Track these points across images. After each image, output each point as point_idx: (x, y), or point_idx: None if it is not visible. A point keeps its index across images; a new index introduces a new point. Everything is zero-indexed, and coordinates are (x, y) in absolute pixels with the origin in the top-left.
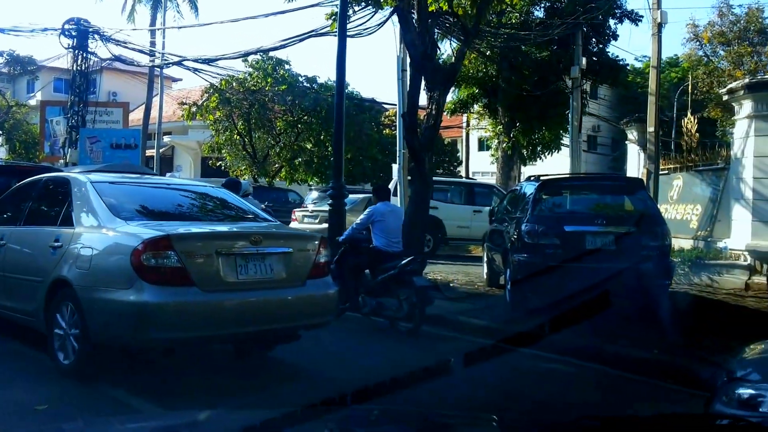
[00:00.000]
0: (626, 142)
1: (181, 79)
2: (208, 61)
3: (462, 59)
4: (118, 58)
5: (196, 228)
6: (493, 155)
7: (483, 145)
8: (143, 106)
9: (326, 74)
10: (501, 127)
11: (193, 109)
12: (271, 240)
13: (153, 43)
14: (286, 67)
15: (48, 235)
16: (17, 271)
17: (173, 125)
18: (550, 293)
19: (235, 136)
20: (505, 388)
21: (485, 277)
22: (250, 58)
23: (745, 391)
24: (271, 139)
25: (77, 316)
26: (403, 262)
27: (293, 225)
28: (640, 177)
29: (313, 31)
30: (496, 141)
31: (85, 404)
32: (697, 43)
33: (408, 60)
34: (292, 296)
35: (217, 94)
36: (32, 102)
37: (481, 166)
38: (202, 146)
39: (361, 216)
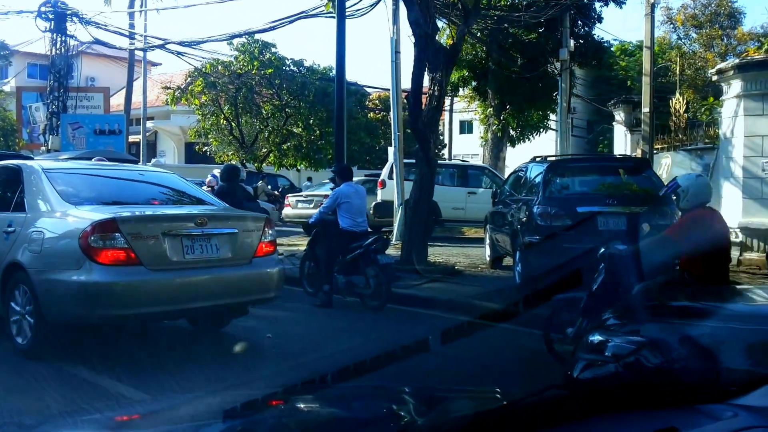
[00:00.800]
0: (613, 123)
1: (160, 64)
2: (194, 44)
3: (462, 39)
4: (98, 42)
5: (142, 211)
6: (482, 137)
7: (464, 128)
8: (123, 90)
9: (311, 57)
10: (491, 109)
11: (177, 93)
12: (217, 221)
13: (132, 26)
14: (273, 50)
15: (1, 221)
16: None
17: (155, 110)
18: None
19: (222, 120)
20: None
21: (488, 258)
22: (236, 41)
23: (595, 338)
24: (259, 124)
25: (31, 297)
26: (368, 241)
27: (287, 210)
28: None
29: (303, 12)
30: (487, 123)
31: (50, 386)
32: (671, 25)
33: (401, 42)
34: (238, 274)
35: (201, 78)
36: (6, 88)
37: (463, 148)
38: (187, 132)
39: (327, 199)
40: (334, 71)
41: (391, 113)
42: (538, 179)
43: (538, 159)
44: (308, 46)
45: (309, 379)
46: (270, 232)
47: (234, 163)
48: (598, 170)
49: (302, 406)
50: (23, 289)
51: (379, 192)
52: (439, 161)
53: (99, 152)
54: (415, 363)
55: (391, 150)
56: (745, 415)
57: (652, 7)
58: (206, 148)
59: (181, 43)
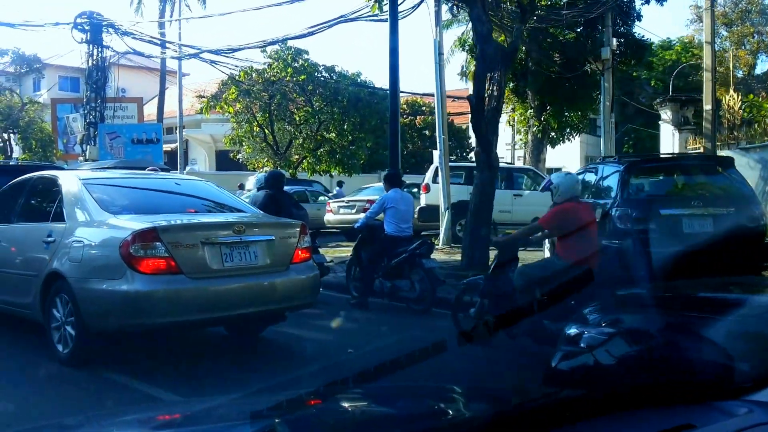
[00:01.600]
0: (660, 122)
1: (188, 74)
2: (230, 52)
3: (520, 37)
4: (135, 52)
5: (181, 219)
6: (522, 140)
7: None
8: (153, 100)
9: (342, 63)
10: (532, 110)
11: (212, 102)
12: (254, 229)
13: (163, 35)
14: (305, 56)
15: (41, 231)
16: (13, 266)
17: (186, 119)
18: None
19: (255, 128)
20: None
21: None
22: (269, 48)
23: (572, 330)
24: (293, 130)
25: (72, 306)
26: (413, 245)
27: (329, 216)
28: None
29: (342, 16)
30: (527, 125)
31: (88, 390)
32: (701, 24)
33: (440, 45)
34: (276, 281)
35: (235, 86)
36: (39, 100)
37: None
38: (217, 140)
39: (374, 204)
40: (362, 77)
41: (436, 116)
42: (613, 180)
43: (609, 159)
44: (335, 51)
45: (333, 381)
46: (306, 238)
47: (266, 170)
48: (679, 170)
49: (326, 407)
50: (64, 298)
51: (423, 196)
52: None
53: (135, 161)
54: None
55: (436, 153)
56: (760, 412)
57: (712, 1)
58: (240, 155)
59: (216, 52)
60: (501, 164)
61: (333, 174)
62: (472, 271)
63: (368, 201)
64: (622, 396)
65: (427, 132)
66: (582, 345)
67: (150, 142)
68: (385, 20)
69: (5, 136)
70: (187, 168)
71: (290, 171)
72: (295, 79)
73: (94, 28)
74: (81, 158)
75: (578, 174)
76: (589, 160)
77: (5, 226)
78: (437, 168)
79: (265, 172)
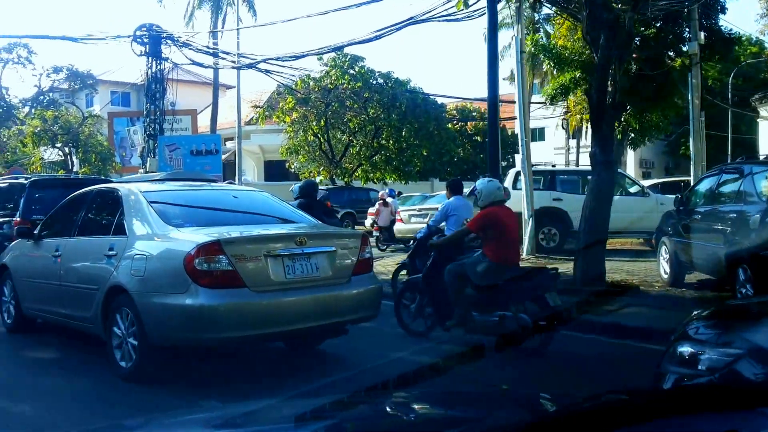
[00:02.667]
0: (758, 119)
1: (233, 86)
2: (294, 58)
3: (633, 26)
4: (194, 62)
5: (244, 232)
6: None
7: (536, 135)
8: (204, 111)
9: (394, 70)
10: None
11: (267, 112)
12: (315, 240)
13: (216, 44)
14: (361, 63)
15: (102, 244)
16: (74, 280)
17: (234, 131)
18: None
19: (311, 137)
20: None
21: (664, 275)
22: (326, 56)
23: (685, 349)
24: (350, 138)
25: (134, 320)
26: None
27: (399, 226)
28: None
29: (411, 18)
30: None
31: (148, 403)
32: None
33: (522, 42)
34: (338, 293)
35: (290, 96)
36: (98, 113)
37: (535, 156)
38: (270, 150)
39: (437, 212)
40: (412, 83)
41: (518, 119)
42: (755, 184)
43: (743, 159)
44: (382, 56)
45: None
46: (366, 248)
47: (317, 179)
48: None
49: (369, 410)
50: (125, 312)
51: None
52: (574, 168)
53: (189, 174)
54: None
55: (518, 158)
56: None
57: None
58: (294, 165)
59: (278, 59)
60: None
61: (387, 182)
62: (587, 287)
63: (437, 209)
64: (665, 401)
65: (478, 138)
66: (701, 368)
67: (209, 153)
68: (459, 20)
69: (66, 150)
70: (243, 179)
71: (345, 179)
72: (352, 85)
73: (153, 41)
74: (141, 170)
75: (712, 175)
76: (644, 164)
77: (66, 240)
78: (517, 173)
79: (320, 180)
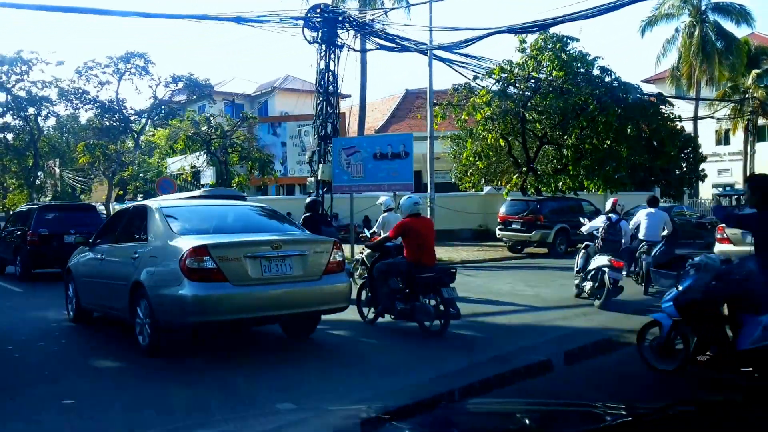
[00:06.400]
0: None
1: (349, 95)
2: (488, 35)
3: None
4: (382, 47)
5: (228, 238)
6: None
7: (722, 139)
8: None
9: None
10: None
11: (445, 110)
12: (290, 245)
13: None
14: (573, 45)
15: (131, 249)
16: (112, 277)
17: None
18: None
19: (500, 141)
20: None
21: None
22: (529, 39)
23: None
24: (545, 139)
25: (148, 308)
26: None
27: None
28: None
29: None
30: None
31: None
32: None
33: None
34: (308, 288)
35: (483, 89)
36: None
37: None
38: (418, 159)
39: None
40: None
41: None
42: None
43: None
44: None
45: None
46: (338, 252)
47: (502, 190)
48: None
49: (434, 417)
50: (143, 302)
51: None
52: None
53: (220, 191)
54: None
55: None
56: None
57: None
58: (470, 178)
59: (468, 41)
60: None
61: (592, 190)
62: None
63: None
64: (732, 412)
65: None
66: None
67: (396, 157)
68: None
69: (220, 156)
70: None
71: (548, 190)
72: (553, 74)
73: (328, 25)
74: (311, 179)
75: None
76: None
77: (109, 246)
78: None
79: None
